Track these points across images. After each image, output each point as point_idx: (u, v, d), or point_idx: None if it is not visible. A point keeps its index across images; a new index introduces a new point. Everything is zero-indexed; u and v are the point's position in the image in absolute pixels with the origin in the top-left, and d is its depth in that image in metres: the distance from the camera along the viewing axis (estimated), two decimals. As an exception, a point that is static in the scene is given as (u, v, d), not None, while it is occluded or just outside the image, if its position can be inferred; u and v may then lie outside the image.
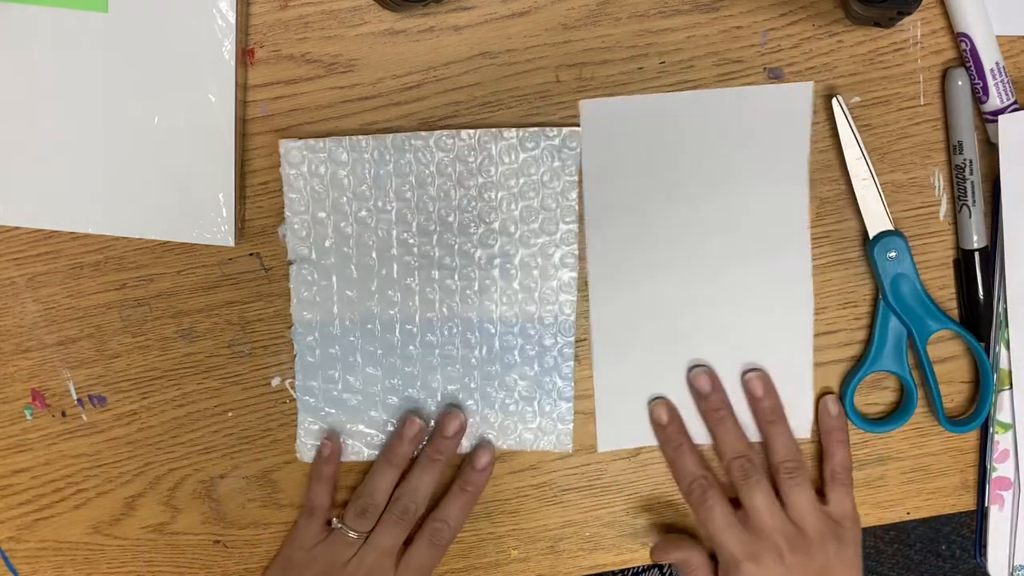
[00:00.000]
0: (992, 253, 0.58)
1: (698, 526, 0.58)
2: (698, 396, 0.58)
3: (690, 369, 0.58)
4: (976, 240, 0.57)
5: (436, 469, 0.57)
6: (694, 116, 0.56)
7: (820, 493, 0.58)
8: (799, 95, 0.56)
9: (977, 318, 0.58)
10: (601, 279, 0.58)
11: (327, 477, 0.58)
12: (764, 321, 0.58)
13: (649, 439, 0.60)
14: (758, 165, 0.57)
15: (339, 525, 0.57)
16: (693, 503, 0.57)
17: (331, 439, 0.58)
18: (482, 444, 0.58)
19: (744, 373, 0.58)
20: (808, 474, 0.57)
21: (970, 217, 0.57)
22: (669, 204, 0.57)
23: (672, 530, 0.61)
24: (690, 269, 0.58)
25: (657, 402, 0.58)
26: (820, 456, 0.59)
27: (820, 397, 0.59)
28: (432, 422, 0.58)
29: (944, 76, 0.56)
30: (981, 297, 0.58)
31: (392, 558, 0.56)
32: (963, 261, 0.58)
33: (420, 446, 0.58)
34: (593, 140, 0.56)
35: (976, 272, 0.57)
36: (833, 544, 0.56)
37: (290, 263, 0.57)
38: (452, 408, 0.58)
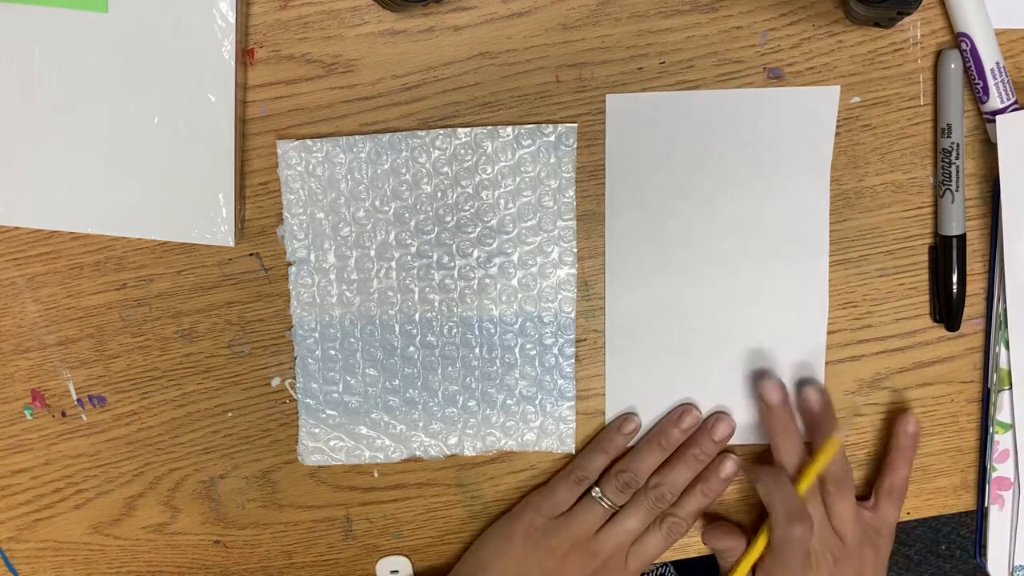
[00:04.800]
0: (992, 254, 0.58)
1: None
2: (765, 406, 0.58)
3: (760, 377, 0.58)
4: (956, 226, 0.57)
5: (697, 468, 0.58)
6: (719, 115, 0.56)
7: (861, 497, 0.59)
8: (826, 98, 0.56)
9: (950, 308, 0.58)
10: (618, 275, 0.58)
11: (615, 449, 0.58)
12: (779, 321, 0.58)
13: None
14: (781, 166, 0.57)
15: (598, 495, 0.57)
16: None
17: (637, 416, 0.58)
18: (729, 455, 0.58)
19: (801, 385, 0.59)
20: (852, 484, 0.58)
21: (952, 203, 0.57)
22: (689, 202, 0.57)
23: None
24: (707, 267, 0.58)
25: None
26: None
27: (900, 413, 0.59)
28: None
29: (937, 57, 0.56)
30: (955, 286, 0.58)
31: (630, 542, 0.57)
32: (940, 248, 0.58)
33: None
34: (617, 135, 0.56)
35: (953, 260, 0.57)
36: (869, 551, 0.57)
37: (289, 264, 0.57)
38: (724, 414, 0.59)
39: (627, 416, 0.59)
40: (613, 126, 0.56)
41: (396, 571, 0.61)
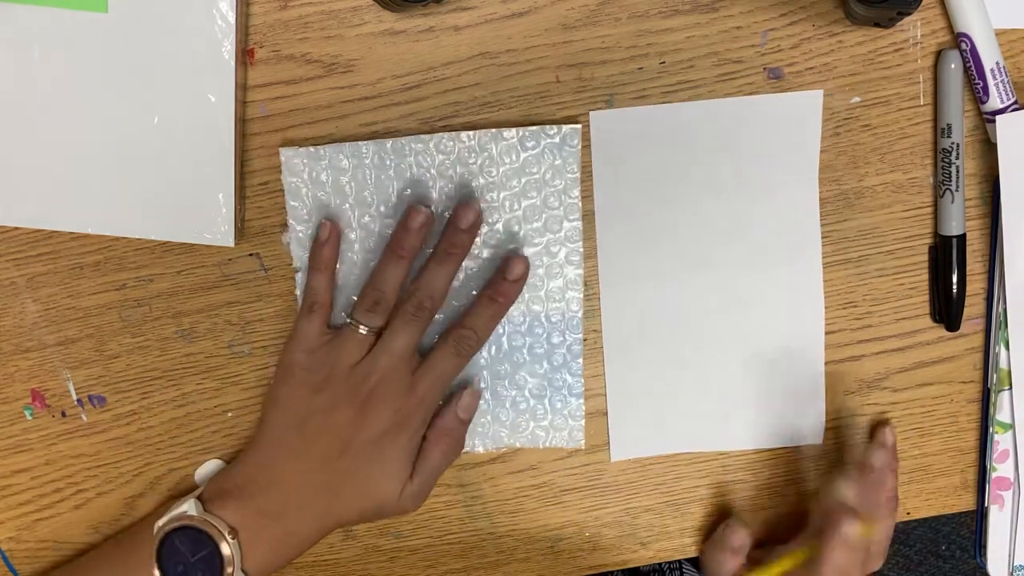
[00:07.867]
0: (992, 254, 0.58)
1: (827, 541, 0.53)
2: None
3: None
4: (956, 227, 0.57)
5: (452, 264, 0.53)
6: (704, 125, 0.56)
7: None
8: (809, 103, 0.56)
9: (950, 308, 0.58)
10: (613, 286, 0.58)
11: (326, 264, 0.54)
12: (777, 325, 0.58)
13: (662, 448, 0.60)
14: (768, 172, 0.57)
15: (348, 320, 0.53)
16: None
17: (330, 220, 0.53)
18: (516, 255, 0.53)
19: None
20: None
21: (952, 203, 0.57)
22: (679, 212, 0.57)
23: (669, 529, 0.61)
24: (701, 276, 0.58)
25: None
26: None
27: (875, 426, 0.59)
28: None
29: (937, 57, 0.56)
30: (955, 286, 0.58)
31: (408, 363, 0.52)
32: (940, 248, 0.58)
33: (426, 238, 0.54)
34: (603, 150, 0.56)
35: (953, 260, 0.57)
36: (868, 563, 0.57)
37: (296, 271, 0.57)
38: (467, 199, 0.54)
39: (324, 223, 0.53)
40: (598, 142, 0.56)
41: None
